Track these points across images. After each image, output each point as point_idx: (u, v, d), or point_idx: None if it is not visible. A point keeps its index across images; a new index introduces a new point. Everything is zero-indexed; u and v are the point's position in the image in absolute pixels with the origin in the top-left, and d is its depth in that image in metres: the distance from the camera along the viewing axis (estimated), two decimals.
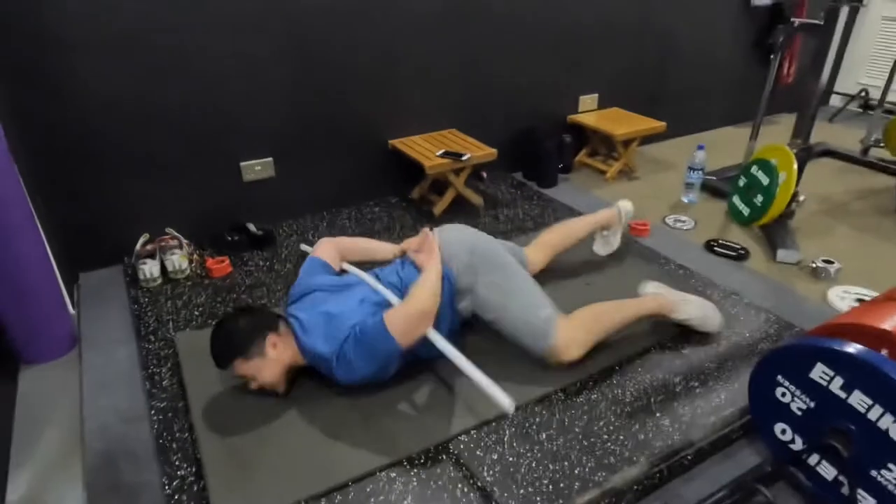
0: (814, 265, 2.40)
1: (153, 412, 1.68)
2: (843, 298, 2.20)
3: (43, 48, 2.09)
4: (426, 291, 1.62)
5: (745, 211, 2.80)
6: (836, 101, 4.75)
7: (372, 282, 1.77)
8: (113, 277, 2.37)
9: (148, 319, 2.08)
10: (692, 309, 1.92)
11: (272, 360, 1.59)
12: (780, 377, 1.36)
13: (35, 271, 1.92)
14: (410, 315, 1.56)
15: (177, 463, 1.51)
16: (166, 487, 1.44)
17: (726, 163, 3.38)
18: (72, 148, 2.26)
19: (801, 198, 2.91)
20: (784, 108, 4.23)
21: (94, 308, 2.19)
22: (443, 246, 1.82)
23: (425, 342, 1.60)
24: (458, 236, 1.90)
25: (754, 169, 2.79)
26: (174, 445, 1.56)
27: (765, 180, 2.71)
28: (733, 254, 2.52)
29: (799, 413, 1.35)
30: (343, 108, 2.74)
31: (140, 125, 2.34)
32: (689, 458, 1.52)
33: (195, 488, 1.43)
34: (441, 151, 2.73)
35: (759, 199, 2.72)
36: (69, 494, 1.50)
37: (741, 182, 2.87)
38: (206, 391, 1.70)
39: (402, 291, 1.72)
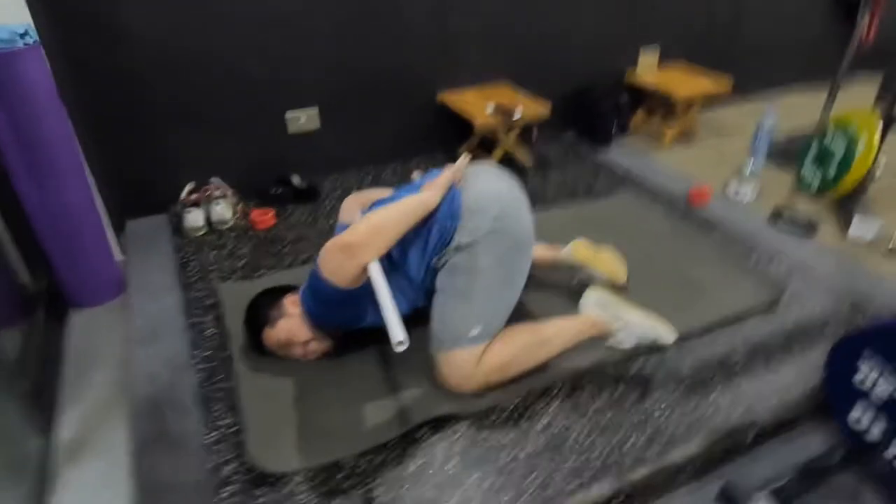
0: (891, 243, 2.21)
1: (197, 361, 1.67)
2: None
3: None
4: (370, 222, 1.39)
5: (816, 181, 2.60)
6: None
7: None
8: (159, 225, 2.37)
9: (192, 268, 2.07)
10: (633, 337, 1.62)
11: (296, 315, 1.55)
12: (863, 359, 1.25)
13: (83, 217, 1.93)
14: (330, 250, 1.37)
15: (218, 413, 1.50)
16: (209, 436, 1.43)
17: (796, 128, 3.15)
18: (121, 97, 2.24)
19: (881, 168, 2.70)
20: (860, 71, 3.91)
21: (140, 255, 2.20)
22: (476, 193, 1.53)
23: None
24: (502, 194, 1.56)
25: (830, 135, 2.58)
26: (217, 395, 1.55)
27: (841, 148, 2.51)
28: (801, 226, 2.35)
29: (882, 398, 1.24)
30: (391, 60, 2.64)
31: (188, 74, 2.30)
32: (750, 438, 1.43)
33: (236, 439, 1.42)
34: (492, 107, 2.61)
35: (832, 168, 2.53)
36: (115, 436, 1.52)
37: (814, 149, 2.67)
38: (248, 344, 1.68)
39: None
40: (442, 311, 1.51)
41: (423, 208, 1.47)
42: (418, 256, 1.52)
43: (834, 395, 1.36)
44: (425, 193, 1.49)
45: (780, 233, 2.34)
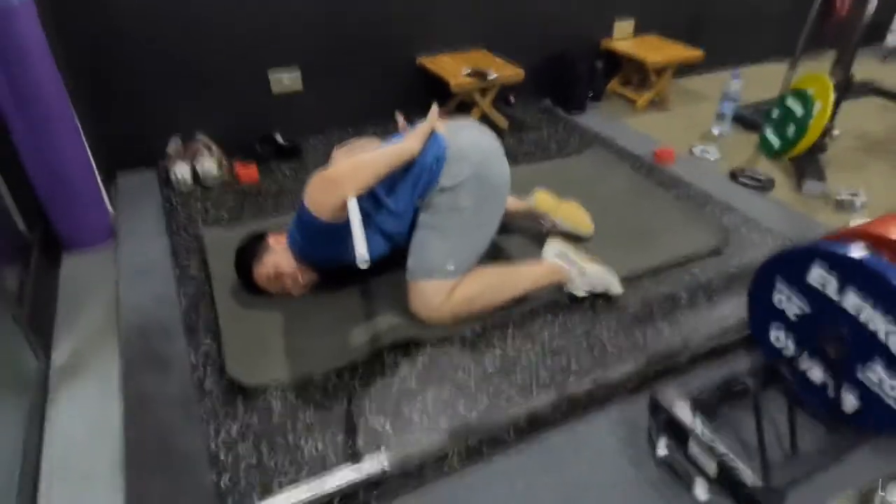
0: (839, 197, 2.35)
1: (182, 296, 1.80)
2: None
3: None
4: (354, 160, 1.53)
5: (776, 143, 2.73)
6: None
7: None
8: (148, 179, 2.49)
9: (179, 217, 2.20)
10: (588, 285, 1.75)
11: (280, 250, 1.69)
12: (778, 282, 1.39)
13: (74, 163, 2.03)
14: (314, 182, 1.52)
15: (201, 337, 1.64)
16: (192, 357, 1.57)
17: (765, 97, 3.26)
18: (109, 57, 2.34)
19: (836, 131, 2.83)
20: (836, 44, 4.01)
21: (129, 205, 2.32)
22: (460, 142, 1.66)
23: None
24: (483, 144, 1.71)
25: (790, 99, 2.70)
26: (200, 323, 1.69)
27: (799, 111, 2.63)
28: (757, 183, 2.49)
29: (794, 318, 1.38)
30: (373, 23, 2.73)
31: (174, 34, 2.39)
32: (684, 361, 1.58)
33: (218, 359, 1.56)
34: (467, 70, 2.71)
35: (791, 129, 2.65)
36: (107, 360, 1.65)
37: (775, 113, 2.79)
38: (229, 282, 1.80)
39: None
40: (421, 245, 1.65)
41: (404, 155, 1.59)
42: (406, 196, 1.65)
43: (757, 317, 1.50)
44: (406, 142, 1.62)
45: (739, 188, 2.48)
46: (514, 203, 2.03)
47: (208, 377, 1.51)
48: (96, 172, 2.19)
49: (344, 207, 1.48)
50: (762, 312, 1.47)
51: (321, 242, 1.62)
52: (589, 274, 1.74)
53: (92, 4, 2.23)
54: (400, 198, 1.66)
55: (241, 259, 1.73)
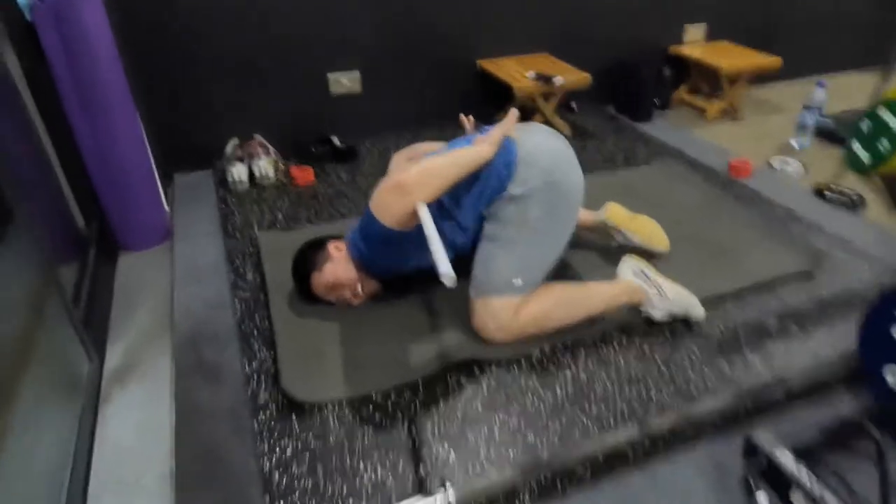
0: None
1: (236, 301, 1.74)
2: None
3: None
4: (424, 165, 1.44)
5: (866, 157, 2.51)
6: None
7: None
8: (204, 180, 2.47)
9: (235, 219, 2.15)
10: (667, 308, 1.60)
11: (340, 259, 1.60)
12: None
13: (134, 160, 2.02)
14: (382, 188, 1.44)
15: (256, 347, 1.57)
16: (246, 367, 1.50)
17: (846, 110, 3.04)
18: (170, 55, 2.33)
19: None
20: None
21: (186, 206, 2.29)
22: (531, 147, 1.54)
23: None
24: (554, 149, 1.59)
25: (883, 110, 2.49)
26: (254, 332, 1.62)
27: (894, 124, 2.42)
28: (847, 200, 2.29)
29: None
30: (433, 25, 2.66)
31: (234, 33, 2.37)
32: (778, 398, 1.42)
33: (272, 371, 1.48)
34: (532, 74, 2.60)
35: (884, 144, 2.44)
36: (158, 366, 1.60)
37: (864, 126, 2.57)
38: (284, 288, 1.74)
39: None
40: (486, 258, 1.53)
41: (478, 161, 1.49)
42: (471, 205, 1.55)
43: (868, 354, 1.34)
44: (480, 147, 1.50)
45: (826, 206, 2.29)
46: (583, 215, 1.90)
47: (262, 391, 1.43)
48: (155, 171, 2.17)
49: (412, 215, 1.39)
50: (877, 348, 1.31)
51: (386, 251, 1.54)
52: (669, 295, 1.60)
53: (155, 4, 2.21)
54: (465, 206, 1.56)
55: (299, 267, 1.66)
